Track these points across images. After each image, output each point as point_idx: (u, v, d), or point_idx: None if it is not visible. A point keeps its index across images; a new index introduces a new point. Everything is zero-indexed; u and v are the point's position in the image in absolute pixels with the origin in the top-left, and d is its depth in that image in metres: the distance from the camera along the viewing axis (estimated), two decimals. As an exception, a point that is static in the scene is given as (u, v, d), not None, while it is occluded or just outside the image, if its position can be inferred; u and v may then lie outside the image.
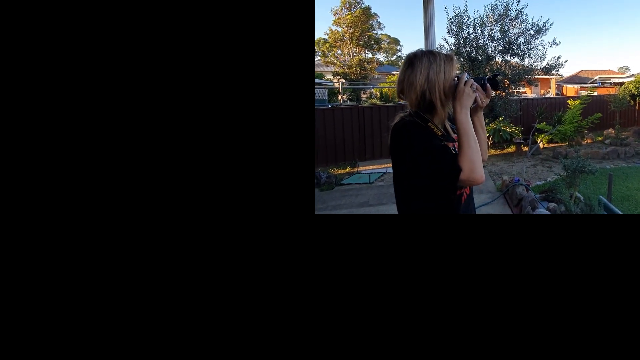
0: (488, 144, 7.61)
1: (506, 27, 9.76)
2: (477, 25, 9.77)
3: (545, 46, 10.67)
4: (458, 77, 1.49)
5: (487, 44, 9.81)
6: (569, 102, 11.80)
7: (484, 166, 1.54)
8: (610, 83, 20.83)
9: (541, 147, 10.48)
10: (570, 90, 24.80)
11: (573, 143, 10.87)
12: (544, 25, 9.95)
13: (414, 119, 1.54)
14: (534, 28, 9.90)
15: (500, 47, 9.83)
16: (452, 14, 9.91)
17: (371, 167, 9.04)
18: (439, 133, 1.55)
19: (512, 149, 10.38)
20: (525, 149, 10.01)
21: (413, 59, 1.52)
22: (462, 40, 9.75)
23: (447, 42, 10.21)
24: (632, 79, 15.65)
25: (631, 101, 14.18)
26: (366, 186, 7.41)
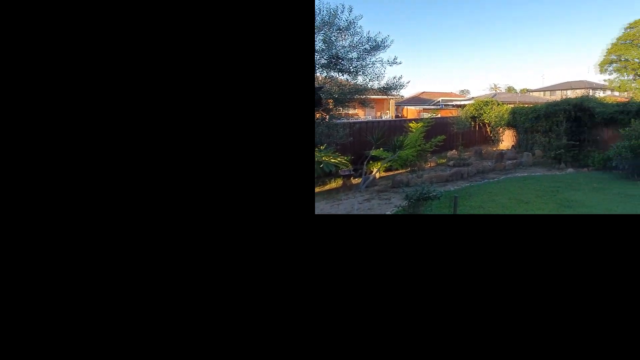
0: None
1: (332, 38, 9.56)
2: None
3: (384, 64, 10.88)
4: None
5: (304, 54, 9.41)
6: (410, 124, 12.35)
7: None
8: (452, 105, 23.99)
9: (377, 177, 10.39)
10: (411, 111, 26.83)
11: (415, 168, 11.27)
12: (382, 41, 10.06)
13: None
14: (370, 43, 9.86)
15: (323, 61, 9.29)
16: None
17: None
18: None
19: (337, 183, 9.92)
20: (357, 181, 9.70)
21: None
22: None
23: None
24: (472, 101, 17.96)
25: (472, 122, 16.07)
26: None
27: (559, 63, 74.75)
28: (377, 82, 9.77)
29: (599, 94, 29.84)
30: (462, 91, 49.56)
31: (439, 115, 19.09)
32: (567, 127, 12.17)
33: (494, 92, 33.26)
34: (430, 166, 12.16)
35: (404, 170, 11.17)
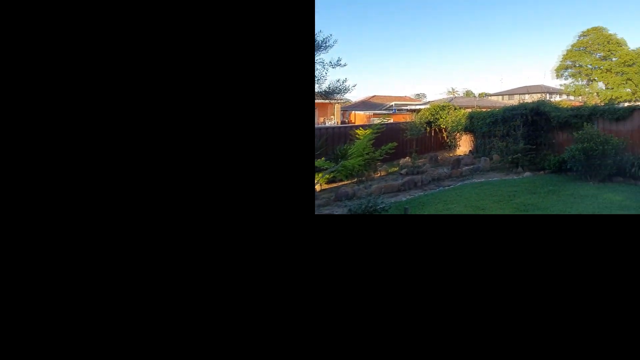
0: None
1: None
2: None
3: (326, 66, 10.41)
4: None
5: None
6: (357, 131, 11.95)
7: None
8: (407, 110, 23.84)
9: (318, 189, 10.02)
10: (360, 117, 25.99)
11: (363, 179, 10.79)
12: (323, 41, 9.70)
13: None
14: (307, 43, 9.52)
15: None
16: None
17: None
18: None
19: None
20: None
21: None
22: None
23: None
24: (427, 106, 17.78)
25: (427, 128, 15.82)
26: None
27: (518, 68, 77.65)
28: (317, 85, 9.23)
29: (556, 98, 31.16)
30: (418, 95, 50.45)
31: (391, 121, 18.95)
32: (524, 131, 12.45)
33: (452, 96, 33.75)
34: (380, 175, 11.82)
35: (350, 182, 10.72)
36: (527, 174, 11.63)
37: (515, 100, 29.97)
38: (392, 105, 25.78)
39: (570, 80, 33.89)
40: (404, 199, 9.25)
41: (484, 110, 16.30)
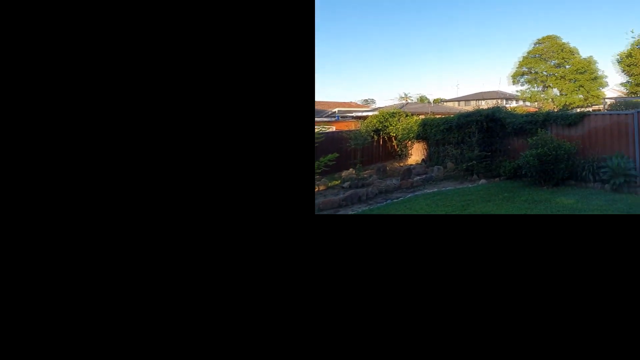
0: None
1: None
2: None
3: None
4: None
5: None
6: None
7: None
8: (352, 117, 23.05)
9: None
10: None
11: (297, 193, 9.93)
12: None
13: None
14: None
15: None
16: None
17: None
18: None
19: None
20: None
21: None
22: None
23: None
24: (376, 112, 17.00)
25: (375, 136, 15.09)
26: None
27: (475, 74, 79.18)
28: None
29: (512, 104, 31.93)
30: (366, 101, 50.40)
31: (333, 129, 18.17)
32: (480, 137, 12.40)
33: (404, 102, 33.37)
34: (318, 190, 11.06)
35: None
36: (482, 181, 11.50)
37: (471, 107, 30.15)
38: (334, 112, 24.86)
39: (526, 86, 35.25)
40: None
41: (438, 116, 16.15)
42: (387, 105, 27.37)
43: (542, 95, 33.36)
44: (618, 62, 27.95)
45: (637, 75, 26.22)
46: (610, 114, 10.63)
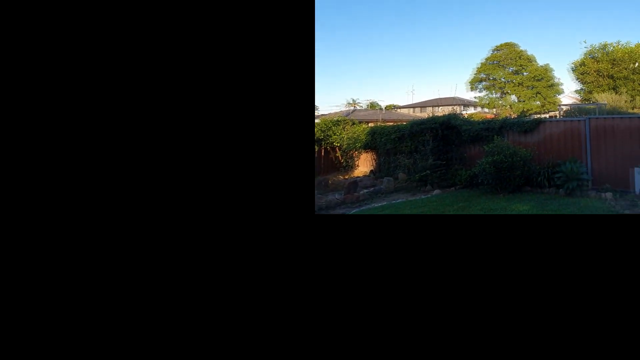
0: None
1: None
2: None
3: None
4: None
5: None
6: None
7: None
8: None
9: None
10: None
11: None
12: None
13: None
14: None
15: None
16: None
17: None
18: None
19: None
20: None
21: None
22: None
23: None
24: (317, 120, 15.94)
25: (315, 147, 14.06)
26: None
27: (431, 80, 79.68)
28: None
29: (470, 111, 31.78)
30: None
31: None
32: (434, 146, 12.09)
33: (351, 108, 32.66)
34: None
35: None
36: (437, 191, 11.10)
37: (427, 113, 29.93)
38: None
39: (484, 92, 35.77)
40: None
41: (389, 124, 15.75)
42: (332, 112, 26.56)
43: (500, 102, 34.31)
44: (572, 70, 29.09)
45: (589, 83, 27.31)
46: (564, 121, 11.12)
